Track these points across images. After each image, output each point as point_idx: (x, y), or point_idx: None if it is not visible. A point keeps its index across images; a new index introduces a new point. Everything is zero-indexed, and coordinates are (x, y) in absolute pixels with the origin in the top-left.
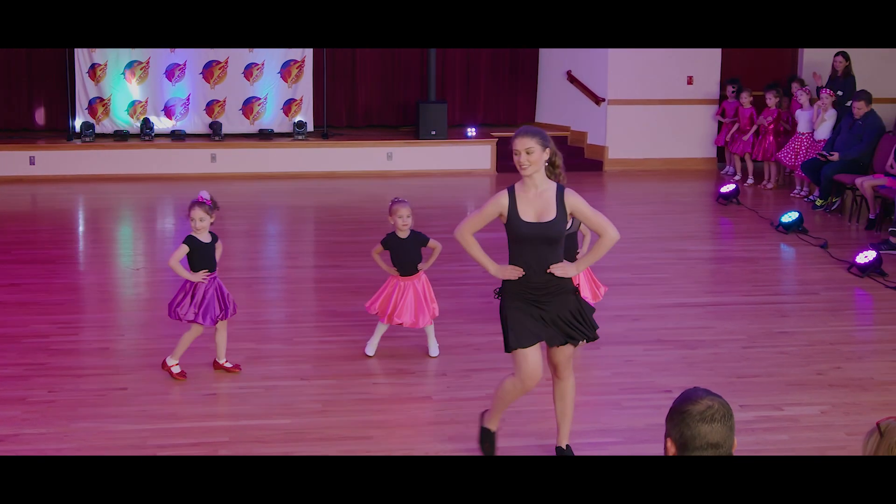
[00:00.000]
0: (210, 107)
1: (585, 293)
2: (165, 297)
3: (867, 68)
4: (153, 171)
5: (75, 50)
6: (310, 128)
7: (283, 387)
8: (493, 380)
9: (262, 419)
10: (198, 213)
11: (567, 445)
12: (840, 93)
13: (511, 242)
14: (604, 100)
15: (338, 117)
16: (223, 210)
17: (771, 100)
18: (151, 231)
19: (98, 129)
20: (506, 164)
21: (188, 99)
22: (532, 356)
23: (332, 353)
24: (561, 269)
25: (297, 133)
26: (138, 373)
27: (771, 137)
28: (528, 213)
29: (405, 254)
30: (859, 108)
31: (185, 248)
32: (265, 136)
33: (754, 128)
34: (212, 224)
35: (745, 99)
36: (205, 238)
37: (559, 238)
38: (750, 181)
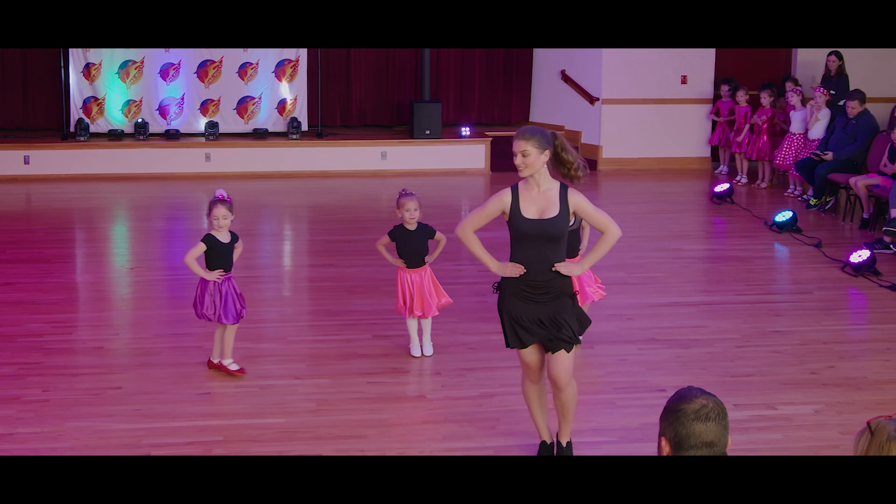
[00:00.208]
0: (204, 106)
1: (588, 289)
2: (160, 297)
3: (861, 68)
4: (148, 170)
5: (70, 49)
6: (304, 127)
7: (277, 386)
8: (488, 378)
9: (256, 418)
10: (221, 210)
11: (568, 442)
12: (833, 92)
13: (513, 240)
14: (598, 99)
15: (332, 117)
16: None
17: (765, 99)
18: (146, 230)
19: (93, 129)
20: (500, 164)
21: (182, 98)
22: (530, 350)
23: (326, 352)
24: (566, 268)
25: (292, 132)
26: (132, 372)
27: (765, 137)
28: (530, 211)
29: (413, 246)
30: (853, 108)
31: (202, 247)
32: (260, 135)
33: (746, 126)
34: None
35: (742, 97)
36: (224, 237)
37: (561, 236)
38: (743, 180)
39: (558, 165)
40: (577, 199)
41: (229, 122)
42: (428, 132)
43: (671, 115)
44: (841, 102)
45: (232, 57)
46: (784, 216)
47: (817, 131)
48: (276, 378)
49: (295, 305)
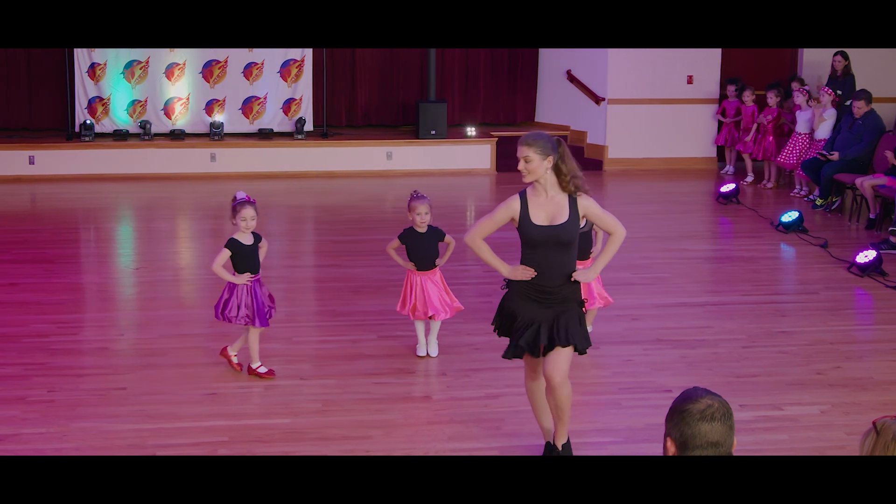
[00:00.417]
0: (210, 106)
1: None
2: (165, 297)
3: (867, 67)
4: (153, 170)
5: (75, 49)
6: (309, 127)
7: (282, 386)
8: (493, 379)
9: (261, 419)
10: (249, 212)
11: (563, 444)
12: (840, 92)
13: (524, 246)
14: (603, 99)
15: (337, 117)
16: (222, 210)
17: (772, 99)
18: (151, 231)
19: (97, 129)
20: (505, 164)
21: (188, 98)
22: (538, 364)
23: (331, 352)
24: (583, 276)
25: (297, 133)
26: (138, 372)
27: (771, 137)
28: (539, 217)
29: (423, 249)
30: (859, 108)
31: (227, 253)
32: (265, 135)
33: (754, 126)
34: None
35: (748, 97)
36: (247, 240)
37: (572, 241)
38: (750, 178)
39: (556, 174)
40: (586, 203)
41: (234, 122)
42: (433, 132)
43: (677, 116)
44: (847, 102)
45: (237, 57)
46: (790, 216)
47: (823, 131)
48: (281, 378)
49: (300, 306)
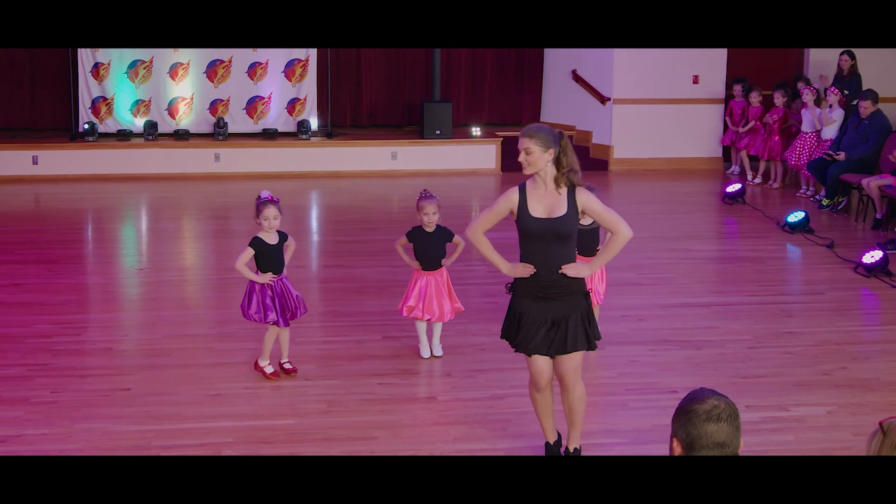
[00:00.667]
0: (214, 106)
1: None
2: (169, 298)
3: (873, 67)
4: (156, 170)
5: (78, 49)
6: (314, 127)
7: (287, 387)
8: (498, 380)
9: (266, 420)
10: (272, 211)
11: (576, 448)
12: (846, 92)
13: (521, 239)
14: (609, 99)
15: (342, 117)
16: (226, 210)
17: (779, 99)
18: (155, 231)
19: (101, 129)
20: (511, 164)
21: (192, 98)
22: (544, 365)
23: (336, 353)
24: (573, 269)
25: (302, 132)
26: (142, 373)
27: (777, 137)
28: (537, 209)
29: (430, 248)
30: (865, 108)
31: (250, 252)
32: (269, 135)
33: (752, 123)
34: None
35: (755, 98)
36: (271, 239)
37: (570, 235)
38: (756, 180)
39: (556, 166)
40: (585, 198)
41: (239, 122)
42: (438, 132)
43: (683, 115)
44: (854, 102)
45: (241, 57)
46: (796, 216)
47: (830, 131)
48: (285, 379)
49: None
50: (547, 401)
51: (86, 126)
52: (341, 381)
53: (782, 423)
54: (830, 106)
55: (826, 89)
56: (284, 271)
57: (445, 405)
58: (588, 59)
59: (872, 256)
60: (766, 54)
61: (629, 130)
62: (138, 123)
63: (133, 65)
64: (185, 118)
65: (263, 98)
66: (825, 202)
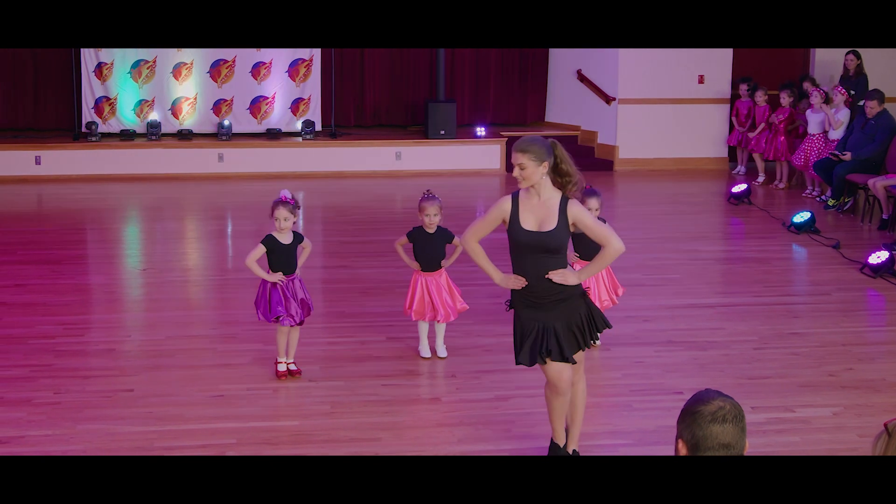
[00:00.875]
0: (217, 106)
1: (603, 295)
2: (172, 298)
3: (879, 67)
4: (160, 170)
5: (81, 49)
6: (318, 127)
7: (290, 388)
8: (503, 381)
9: (269, 421)
10: (282, 212)
11: (574, 450)
12: (853, 92)
13: (512, 249)
14: (614, 99)
15: (346, 117)
16: (230, 210)
17: (785, 99)
18: (158, 231)
19: (104, 129)
20: None
21: (195, 98)
22: (565, 370)
23: (340, 354)
24: (560, 276)
25: (305, 132)
26: (145, 374)
27: (782, 137)
28: (528, 221)
29: (430, 249)
30: (872, 108)
31: (262, 249)
32: (273, 135)
33: (761, 126)
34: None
35: (761, 97)
36: (285, 239)
37: (559, 248)
38: (761, 178)
39: (556, 176)
40: (576, 211)
41: (242, 122)
42: (443, 132)
43: (688, 115)
44: (860, 102)
45: (245, 56)
46: (802, 217)
47: (839, 133)
48: (288, 380)
49: None
50: (564, 405)
51: (94, 121)
52: (345, 382)
53: (788, 424)
54: (837, 107)
55: (832, 88)
56: (298, 272)
57: (450, 406)
58: (593, 59)
59: (878, 257)
60: (772, 54)
61: (634, 130)
62: (142, 123)
63: (136, 65)
64: (189, 118)
65: (267, 98)
66: (831, 202)
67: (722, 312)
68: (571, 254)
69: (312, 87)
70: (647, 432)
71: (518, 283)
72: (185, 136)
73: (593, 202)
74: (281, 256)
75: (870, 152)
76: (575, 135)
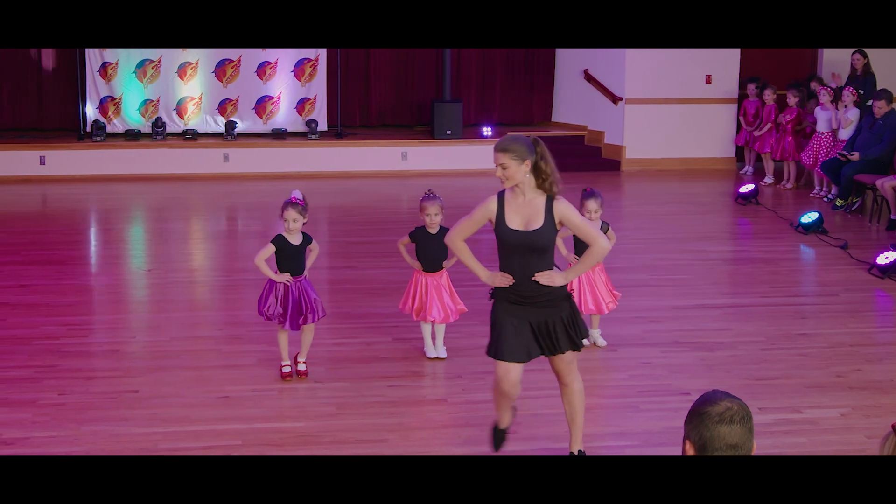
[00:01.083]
0: (223, 106)
1: (605, 296)
2: (177, 299)
3: (887, 66)
4: (165, 170)
5: (86, 49)
6: (323, 127)
7: (295, 389)
8: None
9: (275, 422)
10: (291, 213)
11: (579, 451)
12: (861, 92)
13: (499, 249)
14: (621, 99)
15: (352, 117)
16: (235, 210)
17: (792, 99)
18: (163, 232)
19: (109, 129)
20: None
21: (200, 98)
22: (513, 371)
23: (345, 355)
24: (547, 278)
25: (311, 132)
26: (149, 375)
27: (790, 137)
28: (514, 221)
29: (432, 249)
30: (880, 108)
31: (271, 248)
32: (278, 135)
33: (767, 126)
34: (304, 224)
35: (769, 96)
36: (295, 239)
37: (546, 247)
38: (769, 179)
39: (535, 174)
40: (563, 209)
41: (248, 121)
42: (449, 132)
43: (695, 115)
44: (868, 102)
45: (250, 56)
46: (810, 217)
47: (847, 132)
48: (294, 381)
49: None
50: (508, 403)
51: (99, 120)
52: (351, 383)
53: (795, 425)
54: (846, 106)
55: (842, 88)
56: (305, 274)
57: (456, 407)
58: (600, 59)
59: (887, 257)
60: (779, 54)
61: (641, 130)
62: (146, 123)
63: (141, 64)
64: (194, 118)
65: (273, 98)
66: (839, 203)
67: (729, 313)
68: (571, 257)
69: (318, 87)
70: (654, 433)
71: (505, 280)
72: (190, 136)
73: (592, 204)
74: (289, 257)
75: (878, 152)
76: (582, 135)
